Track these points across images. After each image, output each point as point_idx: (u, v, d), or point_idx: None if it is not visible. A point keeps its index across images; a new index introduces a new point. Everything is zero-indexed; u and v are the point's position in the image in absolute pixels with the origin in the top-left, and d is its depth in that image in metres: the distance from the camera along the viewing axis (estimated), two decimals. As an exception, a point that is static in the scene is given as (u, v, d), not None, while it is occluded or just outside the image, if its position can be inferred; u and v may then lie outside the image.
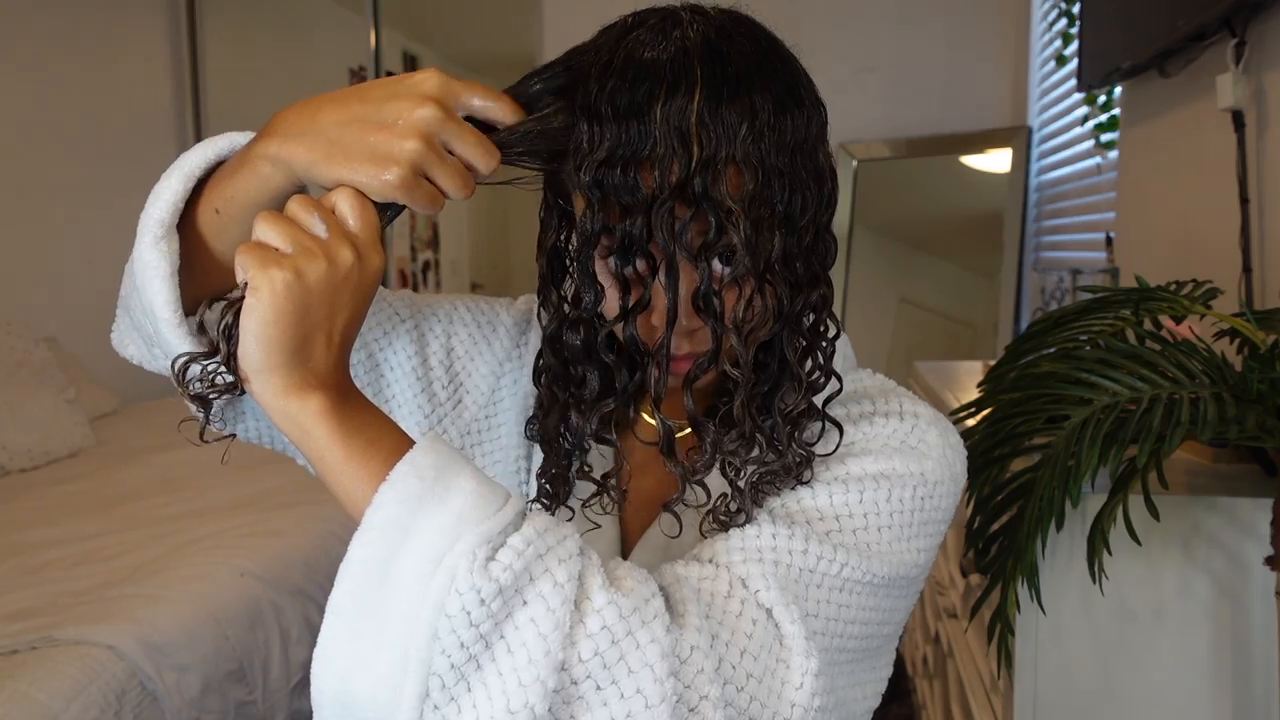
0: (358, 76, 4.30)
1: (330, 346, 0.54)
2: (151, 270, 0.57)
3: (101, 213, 3.43)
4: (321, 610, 1.91)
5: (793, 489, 0.64)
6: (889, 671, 0.69)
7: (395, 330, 0.74)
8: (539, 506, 0.69)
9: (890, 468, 0.64)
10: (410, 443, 0.54)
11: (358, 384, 0.72)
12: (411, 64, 4.97)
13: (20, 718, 1.40)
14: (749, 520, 0.62)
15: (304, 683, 1.95)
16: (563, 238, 0.66)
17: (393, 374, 0.74)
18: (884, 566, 0.62)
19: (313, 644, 2.06)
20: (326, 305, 0.53)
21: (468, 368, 0.76)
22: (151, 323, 0.59)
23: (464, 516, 0.50)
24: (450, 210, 5.62)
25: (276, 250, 0.52)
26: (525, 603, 0.49)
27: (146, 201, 0.58)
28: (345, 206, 0.54)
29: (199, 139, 3.76)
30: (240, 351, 0.52)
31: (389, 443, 0.54)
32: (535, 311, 0.78)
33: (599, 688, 0.49)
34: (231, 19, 3.88)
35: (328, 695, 0.50)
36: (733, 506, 0.62)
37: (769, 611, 0.57)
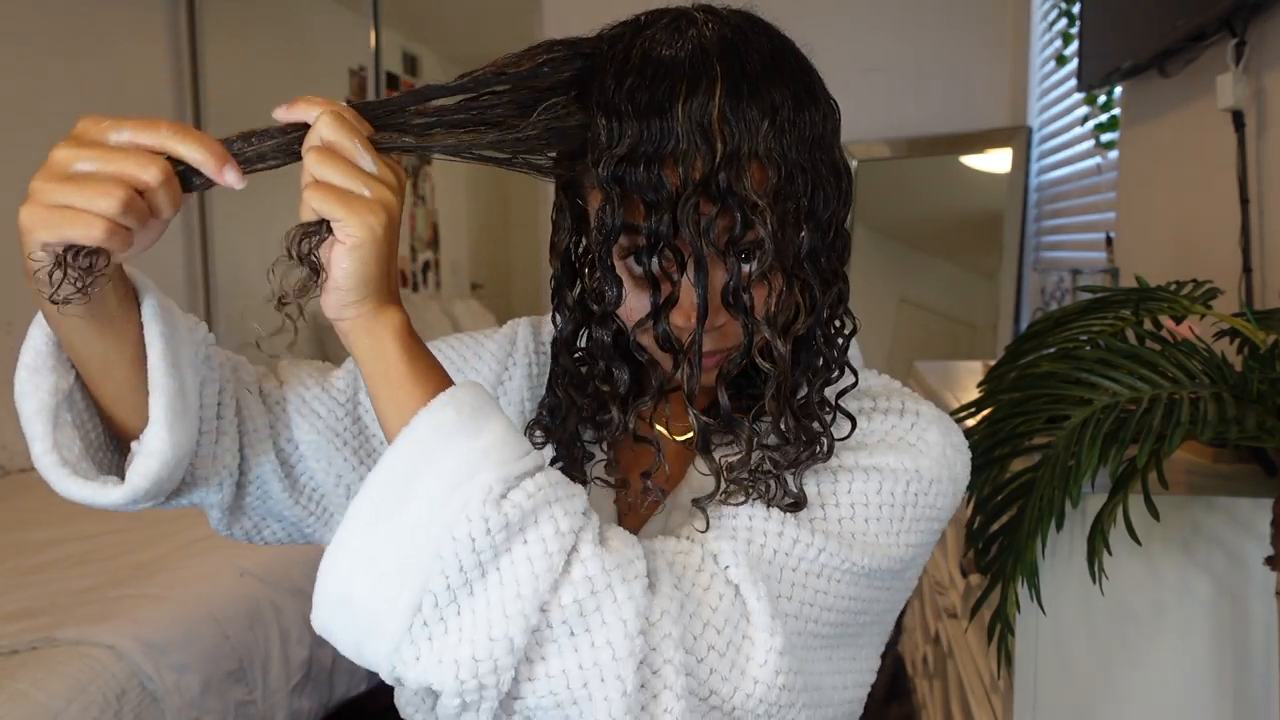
0: (357, 77, 4.30)
1: (395, 271, 0.57)
2: (22, 400, 0.59)
3: (101, 213, 3.42)
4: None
5: None
6: (875, 664, 0.69)
7: None
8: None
9: (883, 462, 0.65)
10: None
11: (341, 431, 0.73)
12: (411, 64, 4.97)
13: (20, 718, 1.40)
14: (797, 503, 0.62)
15: (304, 682, 1.95)
16: (573, 240, 0.66)
17: (369, 415, 0.74)
18: (865, 557, 0.62)
19: (313, 644, 2.05)
20: (396, 232, 0.56)
21: None
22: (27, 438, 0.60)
23: (488, 453, 0.52)
24: (450, 211, 5.62)
25: (349, 192, 0.53)
26: (525, 541, 0.51)
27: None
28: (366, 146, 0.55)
29: (199, 139, 3.78)
30: (337, 286, 0.54)
31: (441, 372, 0.57)
32: (516, 332, 0.79)
33: (572, 634, 0.52)
34: (231, 19, 3.88)
35: (330, 591, 0.52)
36: (766, 487, 0.63)
37: (737, 588, 0.58)
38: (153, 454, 0.60)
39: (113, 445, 0.65)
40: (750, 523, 0.60)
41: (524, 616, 0.50)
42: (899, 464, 0.65)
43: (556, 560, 0.51)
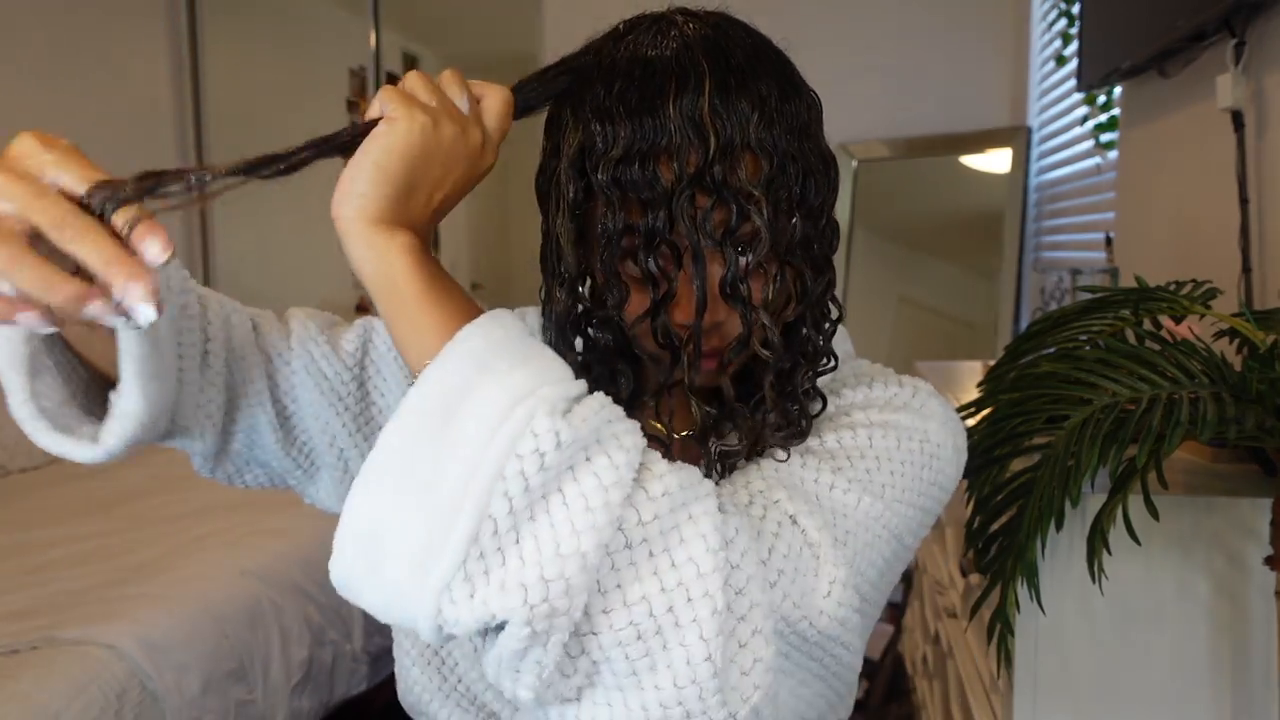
0: (357, 77, 4.29)
1: (428, 206, 0.55)
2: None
3: (101, 213, 3.42)
4: (321, 610, 1.94)
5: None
6: (859, 662, 0.66)
7: (383, 359, 0.74)
8: None
9: (895, 419, 0.65)
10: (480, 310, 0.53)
11: (344, 395, 0.72)
12: (411, 64, 4.96)
13: (20, 718, 1.40)
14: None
15: (304, 682, 1.95)
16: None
17: (383, 400, 0.74)
18: (893, 516, 0.62)
19: (312, 644, 2.04)
20: (441, 166, 0.54)
21: None
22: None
23: (544, 372, 0.49)
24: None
25: (420, 101, 0.54)
26: (589, 458, 0.47)
27: None
28: (491, 101, 0.57)
29: (199, 139, 3.77)
30: (349, 175, 0.52)
31: (463, 296, 0.54)
32: (524, 319, 0.78)
33: (652, 554, 0.47)
34: (231, 19, 3.88)
35: (363, 521, 0.47)
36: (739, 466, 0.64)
37: (793, 518, 0.57)
38: (127, 415, 0.56)
39: (101, 385, 0.61)
40: (788, 468, 0.60)
41: (595, 530, 0.45)
42: (909, 422, 0.65)
43: (625, 474, 0.47)
